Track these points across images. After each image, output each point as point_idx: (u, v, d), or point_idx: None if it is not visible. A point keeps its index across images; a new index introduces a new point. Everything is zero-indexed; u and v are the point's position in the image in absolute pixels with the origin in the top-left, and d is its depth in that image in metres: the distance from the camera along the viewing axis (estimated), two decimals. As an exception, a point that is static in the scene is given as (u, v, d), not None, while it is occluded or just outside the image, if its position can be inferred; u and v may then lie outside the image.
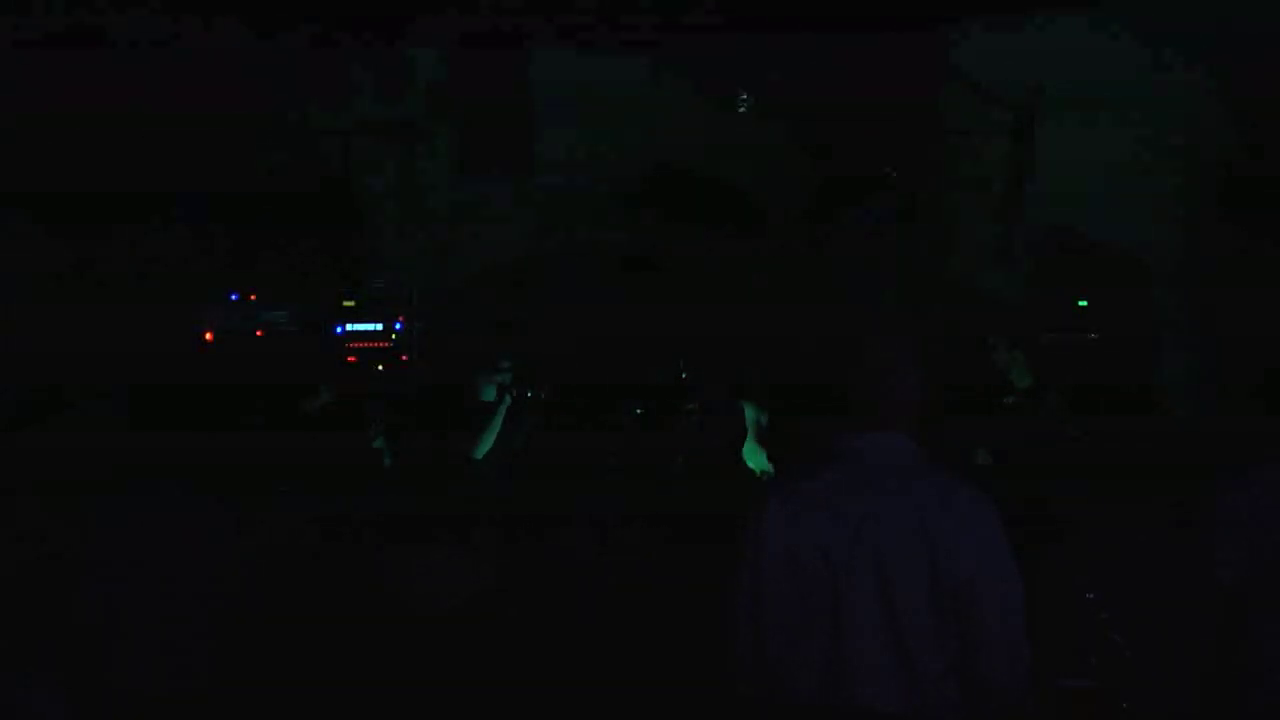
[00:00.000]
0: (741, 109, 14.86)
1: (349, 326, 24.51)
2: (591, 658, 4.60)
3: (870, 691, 3.16)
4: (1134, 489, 4.28)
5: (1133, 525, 4.14)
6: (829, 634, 3.21)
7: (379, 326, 24.22)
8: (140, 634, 4.54)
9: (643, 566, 4.92)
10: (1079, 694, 3.06)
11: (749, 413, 8.85)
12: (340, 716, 4.41)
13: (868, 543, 3.17)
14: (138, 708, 4.39)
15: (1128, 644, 3.02)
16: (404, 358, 22.22)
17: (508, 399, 8.28)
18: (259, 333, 22.96)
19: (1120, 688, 3.02)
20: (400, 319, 23.69)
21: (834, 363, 3.34)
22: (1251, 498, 3.57)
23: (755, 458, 8.72)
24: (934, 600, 3.11)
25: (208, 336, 22.06)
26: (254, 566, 4.65)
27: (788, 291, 18.49)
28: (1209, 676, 3.50)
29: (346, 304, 23.86)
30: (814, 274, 18.67)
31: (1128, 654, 3.02)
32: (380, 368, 20.97)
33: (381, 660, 4.38)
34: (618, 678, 4.62)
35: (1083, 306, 22.46)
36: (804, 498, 3.29)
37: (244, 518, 4.76)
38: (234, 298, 23.21)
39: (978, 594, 3.09)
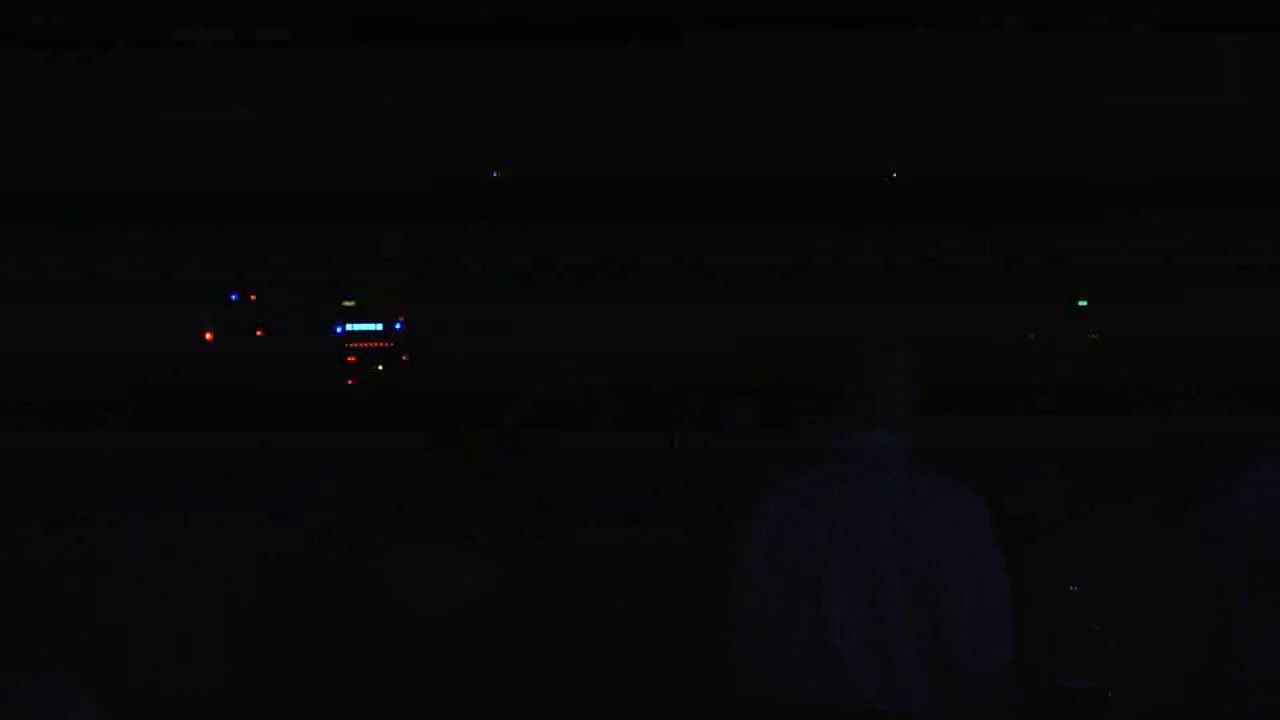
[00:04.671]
0: None
1: (349, 326, 24.56)
2: (593, 658, 4.60)
3: (853, 684, 3.20)
4: (1121, 488, 4.29)
5: (1120, 522, 4.14)
6: (813, 626, 3.25)
7: (379, 326, 24.28)
8: (154, 633, 4.54)
9: (648, 566, 4.92)
10: (1079, 694, 3.06)
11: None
12: (343, 715, 4.42)
13: (846, 536, 3.21)
14: (153, 707, 4.40)
15: (1108, 634, 3.02)
16: (404, 357, 22.27)
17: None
18: (259, 333, 23.03)
19: (1106, 681, 3.03)
20: (400, 319, 23.76)
21: (828, 362, 3.36)
22: (1245, 497, 3.58)
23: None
24: (910, 594, 3.15)
25: (208, 336, 22.12)
26: (262, 566, 4.66)
27: (780, 292, 18.50)
28: (1197, 673, 3.51)
29: (346, 304, 23.92)
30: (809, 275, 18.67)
31: (1111, 645, 3.02)
32: (380, 368, 21.03)
33: (383, 660, 4.38)
34: (619, 679, 4.62)
35: (1083, 307, 22.56)
36: (791, 493, 3.34)
37: (251, 517, 4.76)
38: (234, 298, 23.28)
39: (952, 589, 3.12)
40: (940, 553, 3.09)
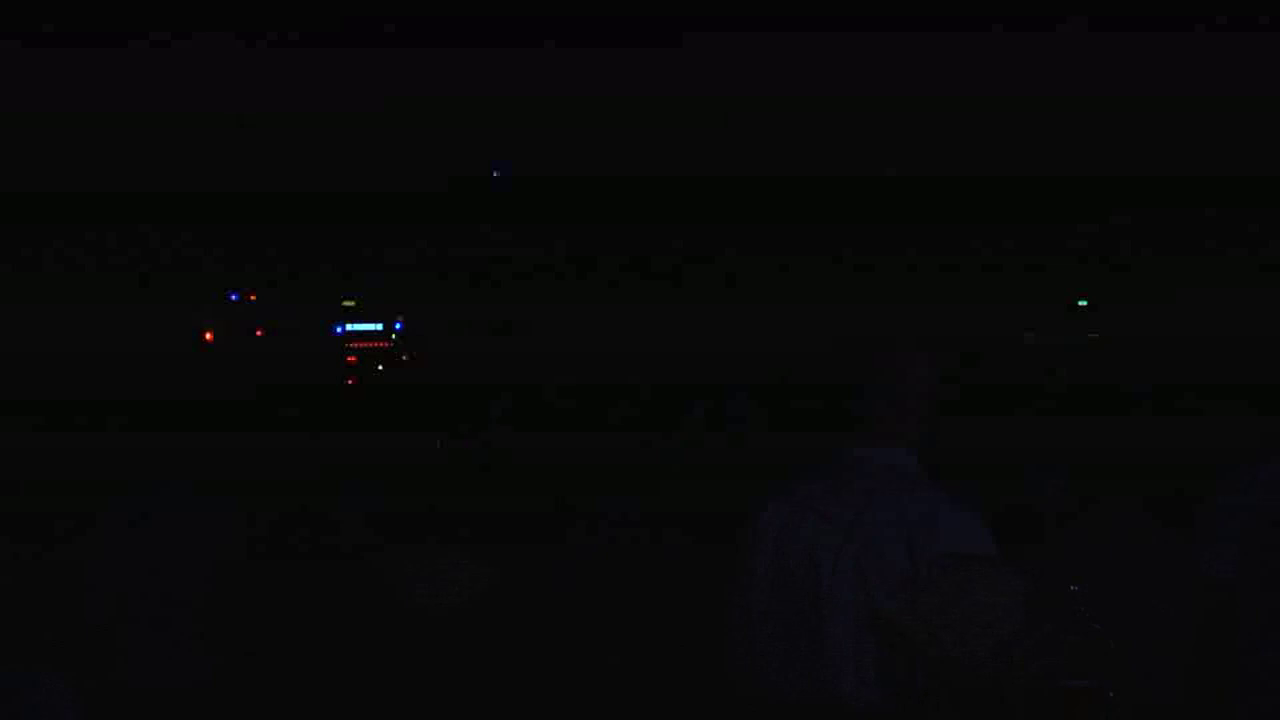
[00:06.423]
0: None
1: (349, 326, 24.56)
2: (592, 658, 4.61)
3: (848, 696, 3.19)
4: (1121, 488, 4.29)
5: (1120, 522, 4.14)
6: (810, 636, 3.24)
7: (379, 326, 24.27)
8: (143, 632, 4.54)
9: (647, 566, 4.92)
10: (1079, 694, 3.06)
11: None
12: (342, 715, 4.42)
13: (852, 550, 3.18)
14: (141, 705, 4.40)
15: (1108, 633, 3.02)
16: (404, 357, 22.26)
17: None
18: (259, 332, 23.02)
19: (1107, 680, 3.03)
20: (400, 319, 23.75)
21: (848, 370, 3.33)
22: (1247, 496, 3.58)
23: None
24: None
25: (208, 337, 22.11)
26: (252, 565, 4.66)
27: (779, 292, 18.49)
28: (1197, 673, 3.52)
29: (346, 304, 23.91)
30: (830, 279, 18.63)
31: (1111, 644, 3.02)
32: (380, 368, 21.03)
33: (382, 660, 4.39)
34: (618, 679, 4.63)
35: (1083, 307, 22.56)
36: (797, 500, 3.30)
37: (244, 517, 4.76)
38: (234, 298, 23.28)
39: None
40: None
